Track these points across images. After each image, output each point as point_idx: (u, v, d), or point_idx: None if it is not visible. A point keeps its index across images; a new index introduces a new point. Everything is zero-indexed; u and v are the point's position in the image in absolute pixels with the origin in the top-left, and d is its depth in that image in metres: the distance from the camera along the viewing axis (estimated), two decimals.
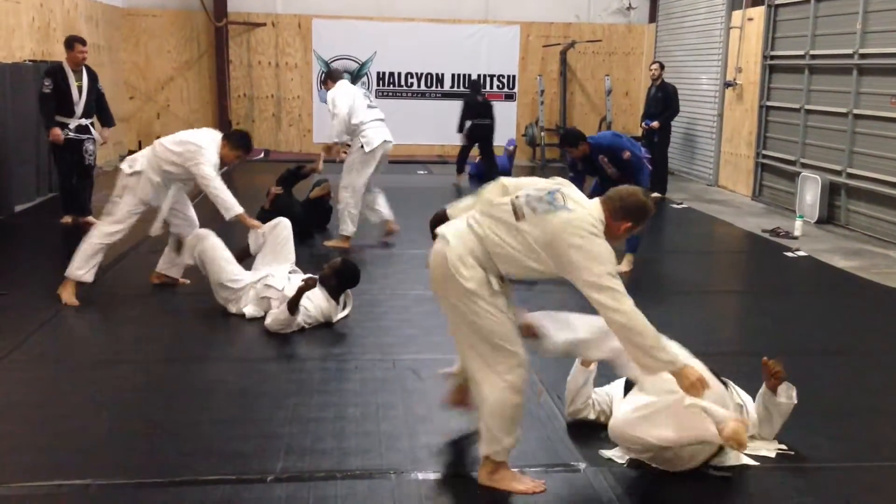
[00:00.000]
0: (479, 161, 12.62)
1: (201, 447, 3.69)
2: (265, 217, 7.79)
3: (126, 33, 14.13)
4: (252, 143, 6.23)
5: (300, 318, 5.28)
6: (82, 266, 5.78)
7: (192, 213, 6.19)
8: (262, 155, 14.35)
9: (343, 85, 7.94)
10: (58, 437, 3.79)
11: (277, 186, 8.02)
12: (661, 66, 11.56)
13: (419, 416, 4.08)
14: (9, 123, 8.60)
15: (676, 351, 3.37)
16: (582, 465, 3.58)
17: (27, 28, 9.37)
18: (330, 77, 8.15)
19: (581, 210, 3.22)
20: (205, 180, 5.70)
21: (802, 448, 3.78)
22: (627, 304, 3.12)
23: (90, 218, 8.07)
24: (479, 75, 14.87)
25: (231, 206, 5.72)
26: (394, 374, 4.62)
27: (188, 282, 6.25)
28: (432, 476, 3.49)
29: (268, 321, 5.32)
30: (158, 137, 6.19)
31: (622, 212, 3.28)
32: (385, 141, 7.77)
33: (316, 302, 5.36)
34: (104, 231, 5.86)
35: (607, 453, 3.65)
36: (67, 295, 5.76)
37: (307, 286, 5.20)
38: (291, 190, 8.15)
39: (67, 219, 8.34)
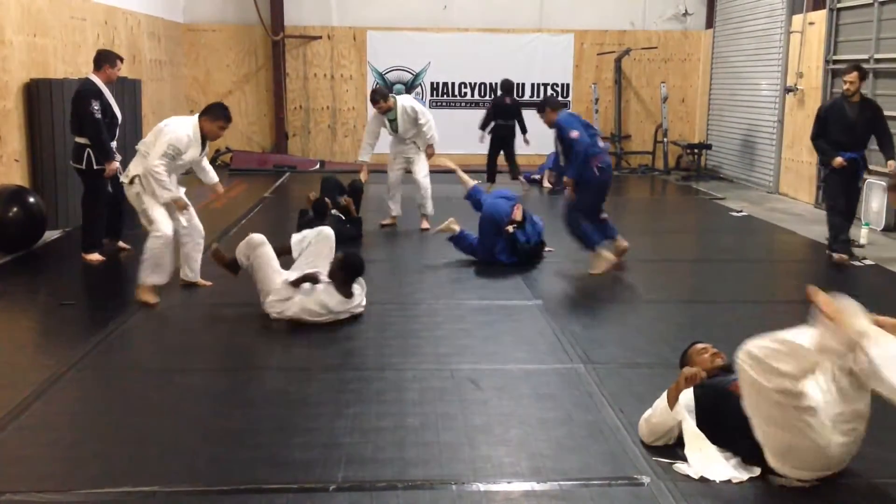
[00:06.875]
0: (541, 167, 12.71)
1: (264, 455, 3.73)
2: (308, 223, 8.03)
3: (187, 48, 14.46)
4: (230, 112, 6.31)
5: (297, 308, 5.57)
6: (148, 273, 6.12)
7: (196, 220, 6.45)
8: (318, 165, 14.52)
9: None
10: (124, 444, 3.86)
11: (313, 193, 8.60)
12: (862, 75, 7.73)
13: (478, 426, 4.06)
14: None
15: None
16: (646, 479, 3.52)
17: (92, 45, 9.62)
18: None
19: None
20: (152, 155, 5.98)
21: (877, 463, 3.67)
22: None
23: (121, 243, 7.70)
24: (522, 83, 14.92)
25: (162, 193, 6.04)
26: (452, 384, 4.60)
27: (210, 284, 6.52)
28: (493, 487, 3.46)
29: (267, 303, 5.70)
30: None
31: None
32: None
33: (316, 297, 5.58)
34: (152, 237, 6.13)
35: (682, 468, 3.58)
36: (144, 294, 6.10)
37: (309, 278, 5.61)
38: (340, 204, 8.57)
39: (97, 256, 7.31)
